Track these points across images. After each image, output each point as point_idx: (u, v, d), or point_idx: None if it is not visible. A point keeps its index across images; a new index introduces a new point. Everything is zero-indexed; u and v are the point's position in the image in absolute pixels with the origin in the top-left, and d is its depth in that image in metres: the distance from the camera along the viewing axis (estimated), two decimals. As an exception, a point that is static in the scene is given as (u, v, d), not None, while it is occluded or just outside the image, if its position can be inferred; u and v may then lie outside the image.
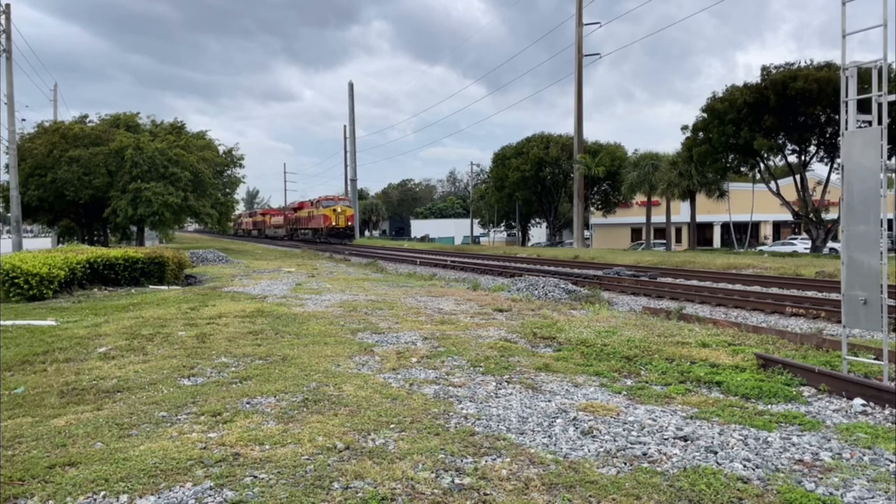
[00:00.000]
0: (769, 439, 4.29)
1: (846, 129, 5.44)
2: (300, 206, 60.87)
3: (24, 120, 36.10)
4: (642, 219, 49.50)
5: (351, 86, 65.32)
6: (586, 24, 42.69)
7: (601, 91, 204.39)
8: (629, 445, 4.19)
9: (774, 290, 15.15)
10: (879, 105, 5.25)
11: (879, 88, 5.19)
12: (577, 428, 4.55)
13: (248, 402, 5.17)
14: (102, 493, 3.47)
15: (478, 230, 78.86)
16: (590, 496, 3.42)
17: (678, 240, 55.02)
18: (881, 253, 5.13)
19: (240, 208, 79.57)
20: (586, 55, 42.78)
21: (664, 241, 47.77)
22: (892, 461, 3.90)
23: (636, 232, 59.41)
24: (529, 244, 65.32)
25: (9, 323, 9.45)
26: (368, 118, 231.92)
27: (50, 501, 3.40)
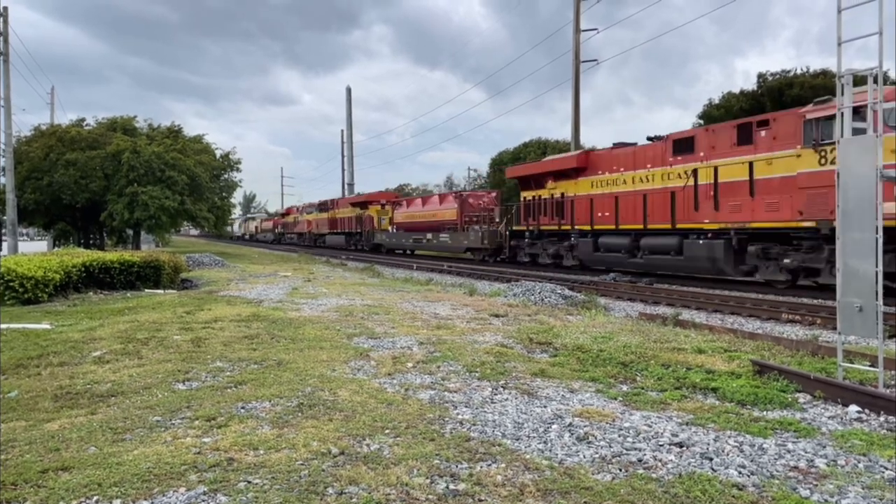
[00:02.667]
0: (764, 446, 4.29)
1: (842, 136, 5.47)
2: (562, 171, 21.34)
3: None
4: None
5: (349, 91, 65.26)
6: (584, 31, 42.78)
7: (600, 96, 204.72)
8: (624, 451, 4.18)
9: (770, 297, 15.16)
10: (875, 112, 5.28)
11: (875, 96, 5.22)
12: (572, 434, 4.54)
13: (242, 407, 5.16)
14: (95, 497, 3.45)
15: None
16: (585, 502, 3.41)
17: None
18: (876, 260, 5.14)
19: (236, 212, 79.08)
20: (584, 61, 42.88)
21: (661, 247, 47.63)
22: (886, 468, 3.90)
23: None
24: (526, 249, 65.19)
25: (3, 326, 9.41)
26: (367, 123, 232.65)
27: (42, 506, 3.38)
